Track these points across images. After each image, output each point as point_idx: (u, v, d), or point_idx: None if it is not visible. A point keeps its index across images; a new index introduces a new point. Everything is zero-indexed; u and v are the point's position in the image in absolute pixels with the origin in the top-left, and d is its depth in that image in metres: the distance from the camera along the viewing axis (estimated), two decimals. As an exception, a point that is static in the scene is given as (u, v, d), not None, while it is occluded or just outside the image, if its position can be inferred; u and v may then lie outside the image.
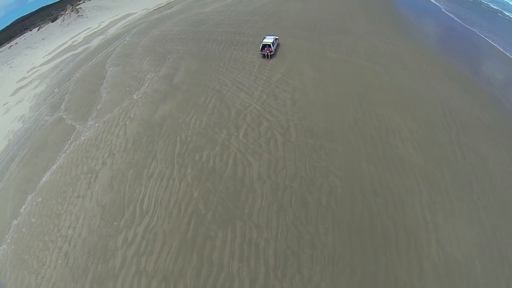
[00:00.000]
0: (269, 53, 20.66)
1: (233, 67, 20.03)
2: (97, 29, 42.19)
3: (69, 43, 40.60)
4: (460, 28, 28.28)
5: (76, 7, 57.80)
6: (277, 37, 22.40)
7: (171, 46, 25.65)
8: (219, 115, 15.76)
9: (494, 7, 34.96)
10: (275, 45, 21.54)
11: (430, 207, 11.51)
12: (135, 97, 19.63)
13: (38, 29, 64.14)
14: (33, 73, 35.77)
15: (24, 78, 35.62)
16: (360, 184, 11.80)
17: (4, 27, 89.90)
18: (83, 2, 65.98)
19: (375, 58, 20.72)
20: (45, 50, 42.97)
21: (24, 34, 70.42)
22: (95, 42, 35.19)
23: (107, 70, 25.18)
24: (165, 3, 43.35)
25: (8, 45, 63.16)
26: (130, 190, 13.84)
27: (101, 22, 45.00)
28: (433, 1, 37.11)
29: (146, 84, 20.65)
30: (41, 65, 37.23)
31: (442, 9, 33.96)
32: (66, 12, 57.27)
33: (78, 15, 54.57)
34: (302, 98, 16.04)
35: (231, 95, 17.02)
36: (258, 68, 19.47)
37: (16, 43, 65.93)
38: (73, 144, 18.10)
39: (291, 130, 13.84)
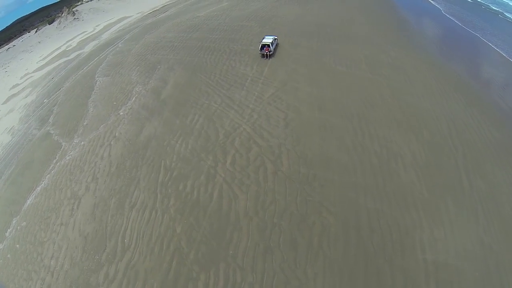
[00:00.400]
0: (268, 53, 20.94)
1: (224, 80, 18.71)
2: (92, 33, 41.12)
3: (63, 48, 39.66)
4: (462, 33, 26.81)
5: (73, 9, 56.76)
6: (276, 37, 22.79)
7: (162, 54, 24.38)
8: (206, 137, 14.54)
9: (495, 8, 33.44)
10: (274, 45, 21.85)
11: (432, 246, 10.30)
12: (121, 113, 18.50)
13: (36, 31, 63.37)
14: (26, 79, 34.98)
15: (17, 85, 34.86)
16: (356, 221, 10.61)
17: (4, 27, 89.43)
18: (81, 3, 65.06)
19: (376, 68, 19.39)
20: (40, 55, 42.13)
21: (23, 36, 69.71)
22: (88, 48, 34.16)
23: (97, 81, 24.18)
24: (161, 7, 42.04)
25: (6, 47, 62.52)
26: (112, 221, 12.93)
27: (96, 26, 43.89)
28: (432, 2, 35.76)
29: (134, 98, 19.49)
30: (35, 71, 36.42)
31: (442, 11, 32.47)
32: (63, 14, 56.32)
33: (75, 18, 53.50)
34: (296, 118, 14.76)
35: (220, 114, 15.78)
36: (250, 81, 18.14)
37: (14, 45, 65.19)
38: (58, 164, 17.23)
39: (282, 157, 12.63)
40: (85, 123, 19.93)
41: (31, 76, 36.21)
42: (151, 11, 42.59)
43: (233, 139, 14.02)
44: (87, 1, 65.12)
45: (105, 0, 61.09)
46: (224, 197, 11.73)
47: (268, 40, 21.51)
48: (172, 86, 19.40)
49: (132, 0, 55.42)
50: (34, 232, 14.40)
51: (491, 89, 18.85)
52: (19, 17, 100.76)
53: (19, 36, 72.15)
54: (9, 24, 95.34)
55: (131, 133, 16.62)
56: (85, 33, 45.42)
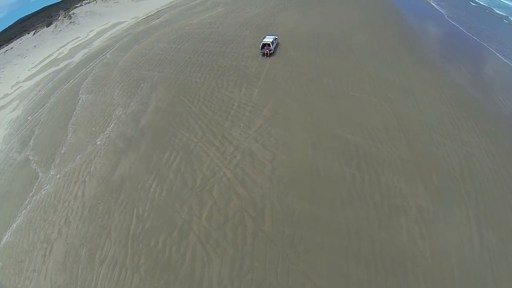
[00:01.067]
0: (268, 52, 21.17)
1: (208, 106, 16.66)
2: (84, 40, 39.49)
3: (55, 55, 38.18)
4: (471, 42, 24.78)
5: (69, 13, 55.21)
6: (276, 37, 22.94)
7: (148, 69, 22.49)
8: (182, 182, 12.70)
9: (499, 12, 31.43)
10: (274, 44, 21.96)
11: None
12: (98, 143, 16.73)
13: (34, 34, 62.30)
14: (16, 89, 33.72)
15: (7, 95, 33.63)
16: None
17: (6, 27, 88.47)
18: (80, 5, 63.45)
19: (381, 90, 17.19)
20: (33, 62, 40.80)
21: (22, 37, 68.85)
22: (77, 57, 32.56)
23: (80, 98, 22.63)
24: (155, 11, 40.04)
25: (4, 49, 61.66)
26: (83, 275, 11.45)
27: (90, 31, 42.20)
28: (435, 6, 33.35)
29: (112, 124, 17.67)
30: (25, 80, 35.11)
31: (446, 16, 30.36)
32: (59, 18, 54.88)
33: (71, 22, 51.95)
34: (285, 160, 12.73)
35: (199, 152, 13.84)
36: (237, 108, 16.05)
37: (12, 48, 64.03)
38: (34, 198, 16.01)
39: (265, 212, 10.76)
40: (62, 151, 18.55)
41: (21, 86, 34.96)
42: (145, 16, 40.72)
43: (212, 186, 12.11)
44: (86, 3, 63.66)
45: (102, 3, 59.40)
46: (197, 260, 9.95)
47: (268, 39, 21.72)
48: (152, 112, 17.48)
49: (129, 3, 53.77)
50: (9, 276, 13.21)
51: (506, 114, 17.01)
52: (21, 16, 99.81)
53: (18, 38, 71.16)
54: (11, 23, 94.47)
55: (106, 169, 14.98)
56: (78, 39, 43.88)
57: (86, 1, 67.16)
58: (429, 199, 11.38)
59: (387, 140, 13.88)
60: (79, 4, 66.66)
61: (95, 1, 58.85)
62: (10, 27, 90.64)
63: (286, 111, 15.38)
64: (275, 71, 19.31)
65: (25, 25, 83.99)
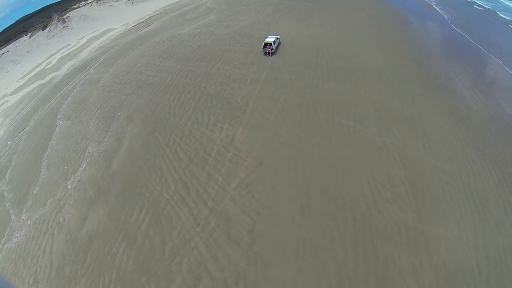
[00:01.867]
0: (270, 51, 21.14)
1: (184, 150, 14.26)
2: (73, 48, 37.28)
3: (43, 65, 36.18)
4: (482, 57, 22.09)
5: (64, 16, 53.10)
6: (278, 36, 22.78)
7: (127, 93, 20.17)
8: (150, 250, 10.67)
9: (504, 16, 28.90)
10: (276, 44, 21.82)
11: None
12: (69, 187, 14.72)
13: (30, 37, 60.74)
14: (2, 104, 32.34)
15: (-7, 110, 32.46)
16: None
17: (7, 26, 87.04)
18: (78, 6, 61.27)
19: (387, 126, 14.63)
20: (22, 71, 38.93)
21: (19, 39, 67.38)
22: (63, 70, 30.44)
23: (57, 124, 20.67)
24: (147, 18, 37.27)
25: (1, 52, 60.56)
26: None
27: (81, 39, 39.90)
28: (439, 11, 30.26)
29: (84, 164, 15.55)
30: (12, 93, 33.11)
31: (449, 22, 27.78)
32: (53, 22, 52.92)
33: (64, 26, 49.81)
34: (266, 230, 10.44)
35: (170, 212, 11.70)
36: (216, 154, 13.59)
37: (8, 51, 62.50)
38: (5, 246, 14.39)
39: None
40: (35, 192, 16.56)
41: (7, 101, 32.99)
42: (136, 23, 38.07)
43: (181, 259, 9.98)
44: (83, 5, 61.31)
45: (97, 6, 56.86)
46: None
47: (270, 39, 21.69)
48: (125, 152, 15.27)
49: (123, 7, 51.05)
50: None
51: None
52: (22, 16, 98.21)
53: (16, 39, 69.83)
54: (12, 22, 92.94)
55: (75, 222, 13.08)
56: (68, 47, 41.61)
57: (84, 2, 65.09)
58: (434, 282, 9.17)
59: (391, 199, 11.43)
60: (76, 6, 64.61)
61: (90, 4, 56.51)
62: (11, 27, 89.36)
63: (273, 160, 12.88)
64: (265, 100, 16.67)
65: (24, 25, 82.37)
